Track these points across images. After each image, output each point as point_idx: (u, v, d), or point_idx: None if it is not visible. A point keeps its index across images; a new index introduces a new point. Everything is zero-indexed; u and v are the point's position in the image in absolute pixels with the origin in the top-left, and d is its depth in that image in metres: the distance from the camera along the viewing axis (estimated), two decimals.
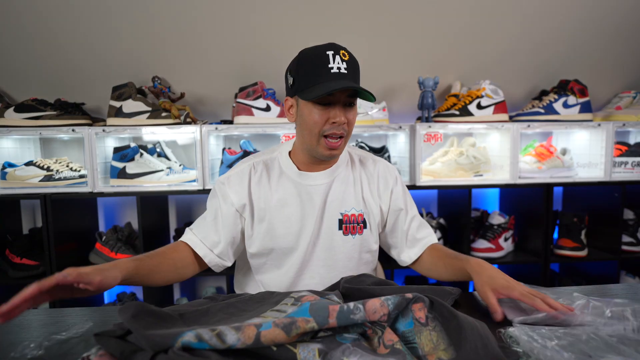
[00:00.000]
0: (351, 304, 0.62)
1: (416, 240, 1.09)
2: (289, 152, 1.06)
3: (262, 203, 1.02)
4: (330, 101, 0.92)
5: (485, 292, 0.82)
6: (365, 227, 1.05)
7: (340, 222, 1.03)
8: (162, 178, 1.78)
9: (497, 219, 1.95)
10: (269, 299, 0.77)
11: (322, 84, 0.90)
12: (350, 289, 0.85)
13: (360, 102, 1.89)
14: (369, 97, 0.92)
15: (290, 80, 0.96)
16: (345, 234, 1.04)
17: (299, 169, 1.03)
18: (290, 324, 0.57)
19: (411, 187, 1.83)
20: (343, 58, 0.91)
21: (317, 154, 0.97)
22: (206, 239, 1.01)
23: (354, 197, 1.05)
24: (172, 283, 0.99)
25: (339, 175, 1.06)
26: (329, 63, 0.90)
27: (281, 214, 1.01)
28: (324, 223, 1.03)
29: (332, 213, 1.03)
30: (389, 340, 0.61)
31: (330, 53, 0.91)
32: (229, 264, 1.04)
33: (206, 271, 1.84)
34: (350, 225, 1.04)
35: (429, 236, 1.10)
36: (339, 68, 0.90)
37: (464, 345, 0.60)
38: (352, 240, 1.04)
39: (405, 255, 1.10)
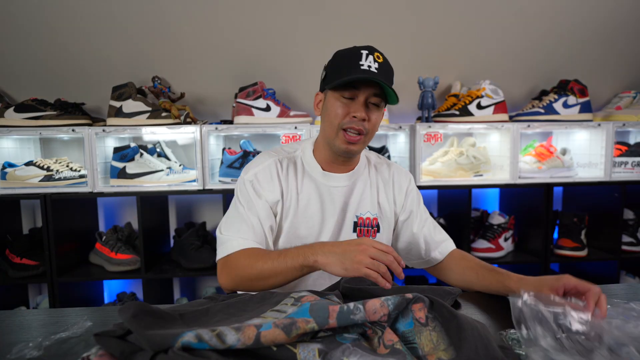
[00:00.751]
0: (351, 304, 0.62)
1: (436, 242, 1.07)
2: (312, 151, 1.06)
3: (288, 201, 1.01)
4: (355, 96, 0.94)
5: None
6: (378, 231, 1.06)
7: (355, 224, 1.04)
8: (162, 178, 1.78)
9: (497, 219, 1.95)
10: (269, 299, 0.77)
11: (347, 77, 0.91)
12: (350, 288, 0.85)
13: None
14: (391, 96, 0.94)
15: (323, 75, 0.99)
16: (359, 236, 1.04)
17: (323, 169, 1.03)
18: (291, 324, 0.57)
19: None
20: (377, 59, 0.92)
21: (335, 147, 0.98)
22: (260, 243, 0.96)
23: (369, 201, 1.06)
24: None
25: (360, 178, 1.07)
26: (361, 60, 0.92)
27: (304, 214, 1.01)
28: (343, 225, 1.03)
29: (350, 215, 1.04)
30: (389, 340, 0.61)
31: (364, 52, 0.93)
32: None
33: (206, 271, 1.84)
34: (365, 228, 1.04)
35: (447, 240, 1.08)
36: (369, 66, 0.91)
37: (464, 345, 0.60)
38: None
39: (432, 258, 1.07)
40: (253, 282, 0.89)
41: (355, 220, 1.04)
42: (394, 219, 1.09)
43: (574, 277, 0.80)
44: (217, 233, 0.98)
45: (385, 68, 0.94)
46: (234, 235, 0.95)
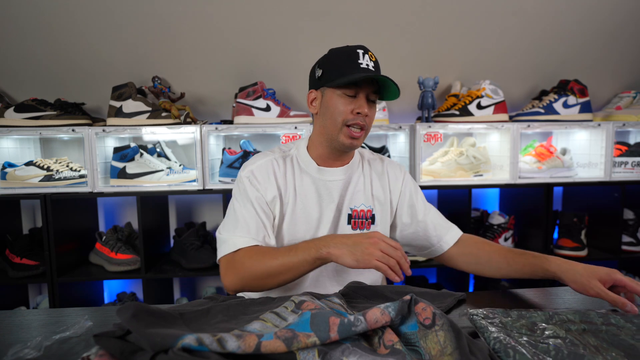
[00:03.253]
0: (352, 317, 0.61)
1: (445, 228, 1.10)
2: (307, 148, 1.08)
3: (287, 197, 1.03)
4: (356, 93, 0.98)
5: (596, 285, 0.81)
6: (373, 222, 1.07)
7: (350, 216, 1.05)
8: (162, 178, 1.78)
9: (497, 219, 1.95)
10: (270, 303, 0.77)
11: (352, 75, 0.95)
12: (352, 287, 0.85)
13: None
14: (394, 91, 0.98)
15: (319, 73, 1.01)
16: (353, 228, 1.05)
17: (318, 165, 1.05)
18: (292, 338, 0.57)
19: None
20: (371, 58, 0.98)
21: (338, 143, 1.00)
22: (257, 239, 0.97)
23: (363, 193, 1.07)
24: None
25: (355, 172, 1.09)
26: (359, 59, 0.96)
27: (303, 209, 1.03)
28: (340, 218, 1.05)
29: (345, 208, 1.05)
30: (389, 341, 0.61)
31: (360, 51, 0.97)
32: None
33: (205, 271, 1.84)
34: (359, 220, 1.06)
35: (454, 226, 1.12)
36: (367, 65, 0.96)
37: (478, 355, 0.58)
38: None
39: (444, 242, 1.09)
40: (262, 280, 0.90)
41: (350, 212, 1.05)
42: (389, 209, 1.11)
43: (623, 275, 0.82)
44: (217, 234, 1.00)
45: (378, 66, 1.00)
46: (233, 234, 0.96)
